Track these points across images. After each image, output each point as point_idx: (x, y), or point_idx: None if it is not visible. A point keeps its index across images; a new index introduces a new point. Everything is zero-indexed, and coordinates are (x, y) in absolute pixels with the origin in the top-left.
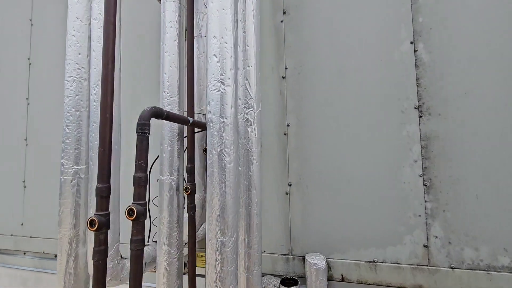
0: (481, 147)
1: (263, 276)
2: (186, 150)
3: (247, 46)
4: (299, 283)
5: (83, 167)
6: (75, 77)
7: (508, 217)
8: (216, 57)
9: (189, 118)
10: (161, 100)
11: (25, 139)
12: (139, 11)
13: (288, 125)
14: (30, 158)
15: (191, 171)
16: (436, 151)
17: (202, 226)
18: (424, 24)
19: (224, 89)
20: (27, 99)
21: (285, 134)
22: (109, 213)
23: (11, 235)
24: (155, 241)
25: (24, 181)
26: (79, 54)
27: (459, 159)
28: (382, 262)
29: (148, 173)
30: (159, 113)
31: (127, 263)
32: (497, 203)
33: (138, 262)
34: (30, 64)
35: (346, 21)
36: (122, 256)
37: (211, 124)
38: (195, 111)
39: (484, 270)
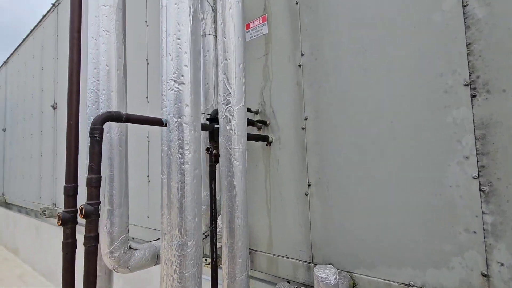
0: None
1: (288, 282)
2: None
3: (224, 38)
4: None
5: None
6: None
7: None
8: (170, 54)
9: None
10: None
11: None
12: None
13: (306, 119)
14: (152, 154)
15: None
16: (498, 143)
17: None
18: None
19: (178, 87)
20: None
21: (303, 128)
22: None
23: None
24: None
25: (148, 176)
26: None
27: None
28: (421, 287)
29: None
30: (115, 117)
31: (137, 253)
32: None
33: (90, 259)
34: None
35: None
36: (131, 247)
37: (168, 125)
38: (202, 111)
39: None
